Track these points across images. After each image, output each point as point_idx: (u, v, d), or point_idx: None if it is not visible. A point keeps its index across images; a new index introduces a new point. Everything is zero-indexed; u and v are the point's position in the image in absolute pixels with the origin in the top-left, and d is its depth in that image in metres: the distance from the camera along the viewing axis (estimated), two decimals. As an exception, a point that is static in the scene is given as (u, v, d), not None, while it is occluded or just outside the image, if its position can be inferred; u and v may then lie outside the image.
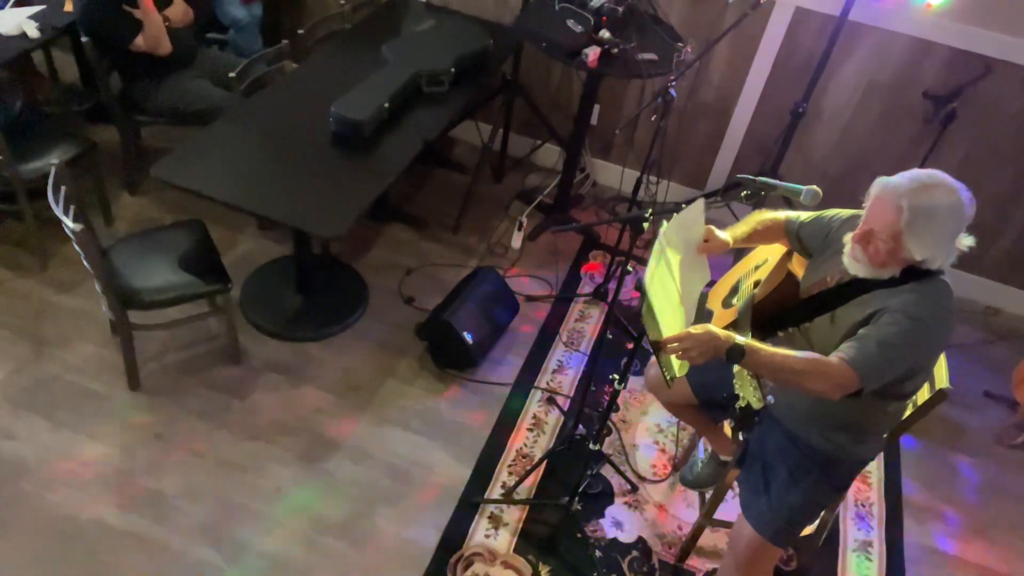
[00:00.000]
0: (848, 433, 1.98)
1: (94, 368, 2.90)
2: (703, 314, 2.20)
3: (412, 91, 3.09)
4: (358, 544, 2.53)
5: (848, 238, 1.81)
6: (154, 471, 2.63)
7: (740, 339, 1.73)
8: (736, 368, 1.82)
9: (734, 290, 2.21)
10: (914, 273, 1.76)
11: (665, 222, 2.04)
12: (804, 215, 2.10)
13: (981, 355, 3.56)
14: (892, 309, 1.74)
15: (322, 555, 2.49)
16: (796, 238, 2.08)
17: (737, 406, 1.88)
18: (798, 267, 2.08)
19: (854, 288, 1.83)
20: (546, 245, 3.74)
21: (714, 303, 2.24)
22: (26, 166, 3.03)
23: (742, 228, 2.14)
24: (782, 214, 2.12)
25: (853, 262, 1.80)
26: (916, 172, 1.74)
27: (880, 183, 1.75)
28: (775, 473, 2.09)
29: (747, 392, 1.80)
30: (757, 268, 2.19)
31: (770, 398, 1.75)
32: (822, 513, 2.36)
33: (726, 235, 2.10)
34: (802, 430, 2.04)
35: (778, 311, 2.02)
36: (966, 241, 1.75)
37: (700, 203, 2.08)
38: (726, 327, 2.06)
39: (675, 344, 1.74)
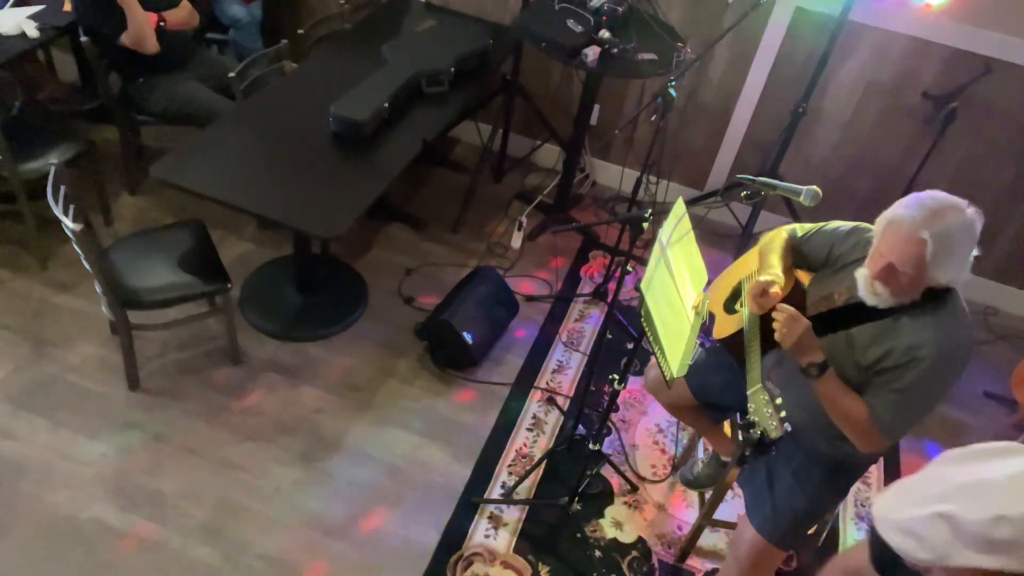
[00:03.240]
0: None
1: (94, 368, 2.90)
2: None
3: (412, 91, 3.09)
4: (358, 544, 2.53)
5: (863, 274, 1.78)
6: (154, 471, 2.63)
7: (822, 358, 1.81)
8: (752, 391, 1.80)
9: (736, 294, 2.19)
10: (931, 293, 1.76)
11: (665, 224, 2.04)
12: (801, 229, 2.08)
13: (981, 355, 3.56)
14: (914, 355, 1.74)
15: (322, 555, 2.49)
16: (799, 253, 2.07)
17: (752, 432, 1.86)
18: (804, 275, 2.06)
19: (867, 309, 1.82)
20: (546, 245, 3.75)
21: (714, 307, 2.23)
22: (26, 166, 3.03)
23: (777, 262, 2.01)
24: (784, 232, 2.10)
25: (873, 296, 1.78)
26: (919, 198, 1.70)
27: (888, 218, 1.72)
28: (779, 477, 2.09)
29: (763, 418, 1.76)
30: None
31: (787, 426, 1.74)
32: (822, 514, 2.36)
33: (776, 276, 1.95)
34: (808, 435, 2.04)
35: None
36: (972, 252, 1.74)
37: (679, 201, 2.09)
38: (733, 335, 2.06)
39: (783, 314, 1.79)
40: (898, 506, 1.09)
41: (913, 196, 1.72)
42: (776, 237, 2.09)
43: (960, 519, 1.01)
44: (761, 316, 2.00)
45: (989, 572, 1.02)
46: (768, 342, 1.93)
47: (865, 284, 1.78)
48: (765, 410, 1.74)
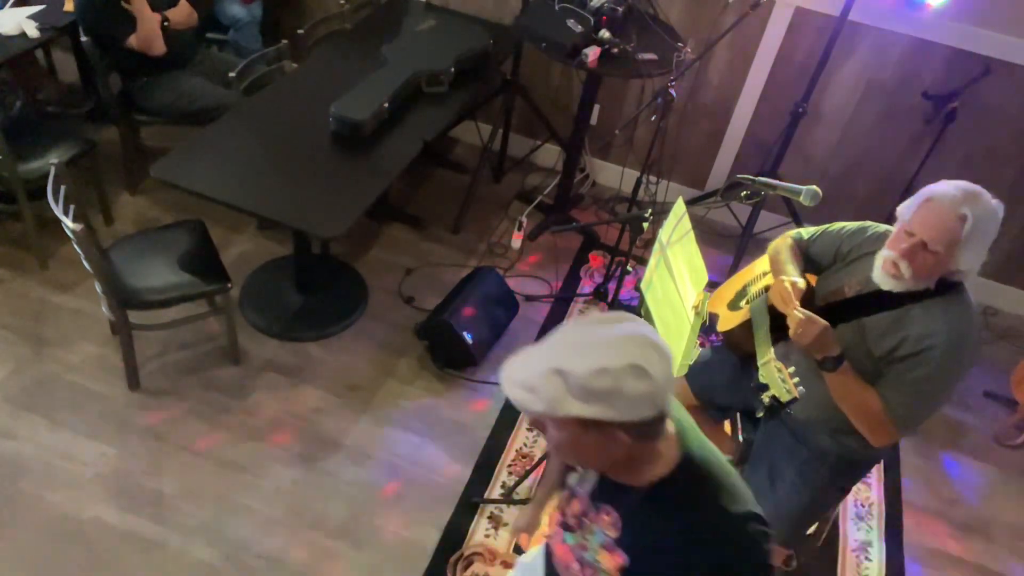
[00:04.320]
0: (859, 436, 1.98)
1: (94, 368, 2.90)
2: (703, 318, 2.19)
3: (412, 91, 3.09)
4: (358, 544, 2.53)
5: (882, 256, 1.78)
6: (154, 471, 2.63)
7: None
8: (763, 362, 1.80)
9: (740, 294, 2.19)
10: (941, 285, 1.77)
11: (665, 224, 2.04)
12: (806, 232, 2.08)
13: (981, 355, 3.54)
14: (927, 343, 1.74)
15: (322, 555, 2.49)
16: (806, 257, 2.07)
17: (764, 396, 1.85)
18: (810, 276, 2.05)
19: (878, 300, 1.82)
20: (546, 245, 3.75)
21: (718, 307, 2.23)
22: (26, 166, 3.02)
23: (792, 267, 2.02)
24: (788, 239, 2.09)
25: (890, 279, 1.77)
26: (957, 182, 1.73)
27: (928, 193, 1.73)
28: (781, 474, 2.08)
29: (775, 384, 1.75)
30: (765, 274, 2.18)
31: (801, 389, 1.73)
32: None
33: (799, 280, 1.97)
34: (811, 431, 2.04)
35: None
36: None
37: (679, 201, 2.09)
38: (739, 325, 2.06)
39: (800, 316, 1.77)
40: (521, 366, 1.22)
41: (945, 181, 1.74)
42: (783, 245, 2.09)
43: (569, 372, 1.13)
44: (769, 306, 1.99)
45: (588, 421, 1.14)
46: (775, 331, 1.93)
47: (885, 265, 1.77)
48: (777, 376, 1.74)
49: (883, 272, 1.78)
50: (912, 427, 1.86)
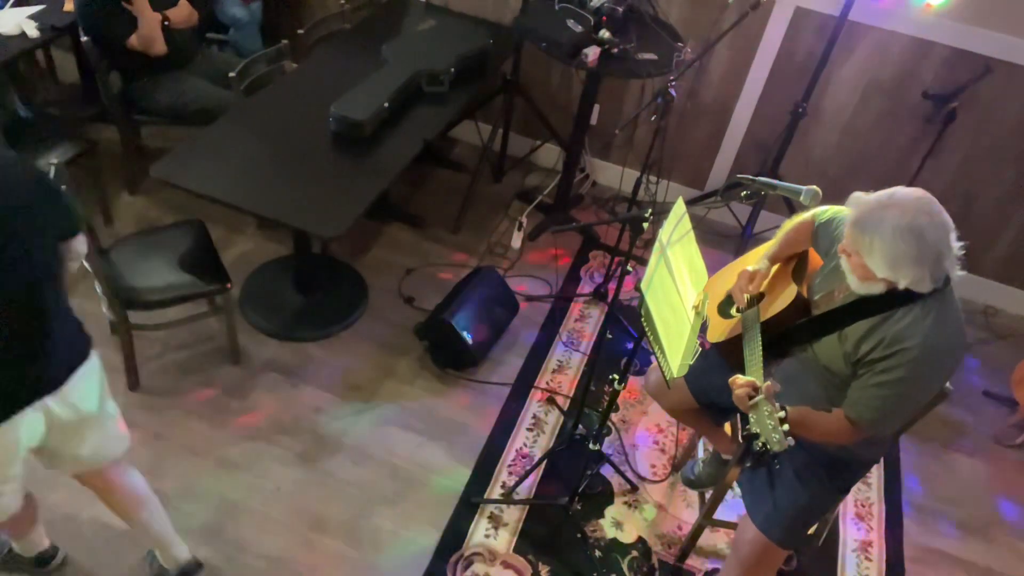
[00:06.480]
0: None
1: (94, 368, 2.89)
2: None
3: (412, 91, 3.09)
4: (358, 544, 2.53)
5: (844, 258, 1.81)
6: (154, 471, 2.62)
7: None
8: (753, 401, 1.77)
9: (730, 300, 2.18)
10: (905, 294, 1.75)
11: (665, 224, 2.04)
12: (827, 212, 2.07)
13: (981, 355, 3.56)
14: (899, 347, 1.74)
15: (322, 555, 2.49)
16: (815, 236, 2.07)
17: (755, 444, 1.83)
18: (811, 272, 2.05)
19: (859, 306, 1.83)
20: (546, 245, 3.75)
21: (708, 309, 2.22)
22: (26, 166, 3.02)
23: (775, 245, 2.10)
24: (808, 213, 2.09)
25: (857, 281, 1.80)
26: (890, 190, 1.71)
27: (852, 197, 1.76)
28: (781, 475, 2.08)
29: (765, 430, 1.72)
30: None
31: (790, 440, 1.71)
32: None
33: (764, 262, 2.08)
34: None
35: (788, 331, 1.99)
36: (956, 272, 1.72)
37: (679, 201, 2.08)
38: (733, 338, 2.05)
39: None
40: None
41: (894, 188, 1.73)
42: (798, 221, 2.10)
43: None
44: (762, 322, 1.99)
45: None
46: (768, 349, 1.92)
47: (844, 266, 1.81)
48: (768, 422, 1.71)
49: (848, 274, 1.81)
50: (878, 430, 1.86)
